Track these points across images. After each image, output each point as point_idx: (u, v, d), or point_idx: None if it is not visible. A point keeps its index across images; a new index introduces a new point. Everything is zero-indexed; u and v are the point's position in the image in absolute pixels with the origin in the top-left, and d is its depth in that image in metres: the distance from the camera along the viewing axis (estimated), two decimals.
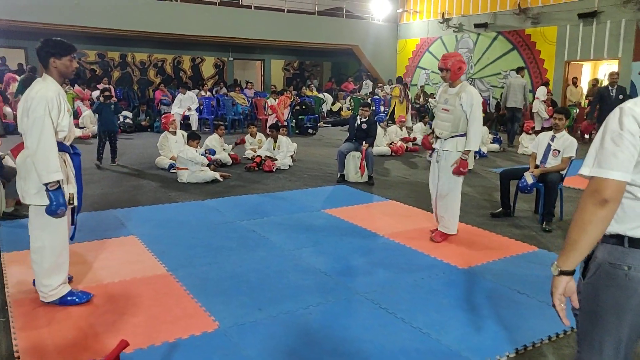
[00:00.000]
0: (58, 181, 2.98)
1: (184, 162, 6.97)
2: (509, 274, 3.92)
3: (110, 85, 14.62)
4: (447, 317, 3.16)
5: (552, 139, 5.34)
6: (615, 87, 9.04)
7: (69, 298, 3.25)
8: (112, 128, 8.25)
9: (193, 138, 7.23)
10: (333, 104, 16.68)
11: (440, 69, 4.51)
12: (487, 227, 5.20)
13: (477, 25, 15.31)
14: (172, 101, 13.87)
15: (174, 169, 7.49)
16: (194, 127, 12.36)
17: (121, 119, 13.06)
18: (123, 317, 3.10)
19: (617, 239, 1.59)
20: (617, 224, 1.58)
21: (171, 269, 3.86)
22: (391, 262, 4.13)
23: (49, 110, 2.96)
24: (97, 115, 8.24)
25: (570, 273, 1.59)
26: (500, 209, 5.63)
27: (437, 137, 4.66)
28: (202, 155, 7.09)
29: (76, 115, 11.59)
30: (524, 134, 10.53)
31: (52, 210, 2.95)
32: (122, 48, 16.88)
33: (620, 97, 8.85)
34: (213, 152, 7.70)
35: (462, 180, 4.63)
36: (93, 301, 3.30)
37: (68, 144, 3.22)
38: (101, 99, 8.28)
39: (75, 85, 12.96)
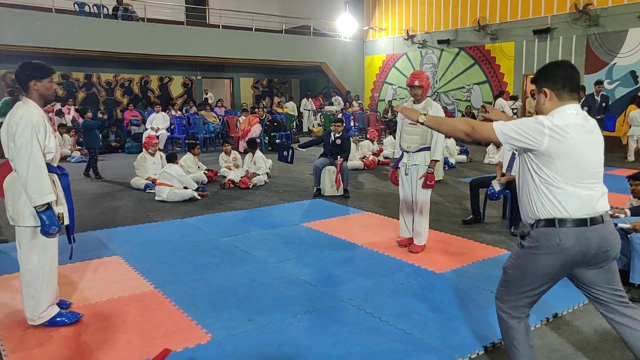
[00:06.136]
0: (48, 202, 3.04)
1: (169, 179, 7.02)
2: (482, 276, 4.16)
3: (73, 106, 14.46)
4: (428, 319, 3.34)
5: None
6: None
7: (58, 319, 3.28)
8: None
9: (174, 159, 7.33)
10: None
11: (412, 86, 4.64)
12: (460, 233, 5.45)
13: (440, 42, 15.90)
14: (142, 121, 13.86)
15: (150, 190, 7.52)
16: (161, 146, 12.33)
17: None
18: (115, 335, 3.16)
19: (550, 222, 2.24)
20: (550, 211, 2.23)
21: (158, 286, 3.93)
22: (372, 270, 4.31)
23: (35, 133, 3.02)
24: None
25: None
26: (471, 216, 5.90)
27: (405, 151, 4.81)
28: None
29: None
30: (491, 146, 10.96)
31: (46, 231, 3.01)
32: (87, 68, 16.69)
33: (604, 104, 9.53)
34: (204, 189, 7.53)
35: (430, 193, 4.83)
36: (82, 321, 3.34)
37: (55, 165, 3.28)
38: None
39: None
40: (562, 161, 2.19)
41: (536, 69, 14.06)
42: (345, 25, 18.63)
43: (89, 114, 8.81)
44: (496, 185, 5.48)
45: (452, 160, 10.10)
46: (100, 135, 10.17)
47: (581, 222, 2.21)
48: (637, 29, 11.34)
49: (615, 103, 11.29)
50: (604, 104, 9.97)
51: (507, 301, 2.42)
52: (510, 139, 2.25)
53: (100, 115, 10.18)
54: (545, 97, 2.32)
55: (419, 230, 4.81)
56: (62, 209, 3.24)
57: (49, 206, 3.05)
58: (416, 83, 4.62)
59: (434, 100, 12.91)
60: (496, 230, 5.58)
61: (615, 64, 11.79)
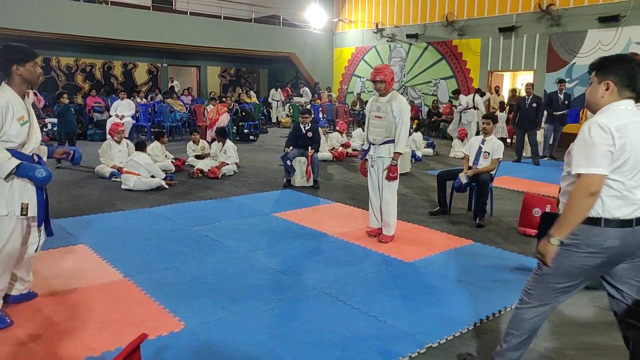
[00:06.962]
0: (16, 166, 2.91)
1: (137, 167, 6.88)
2: (450, 265, 4.29)
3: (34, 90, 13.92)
4: (398, 306, 3.43)
5: (483, 142, 5.84)
6: (531, 97, 9.94)
7: None
8: None
9: (144, 147, 7.21)
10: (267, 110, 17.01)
11: (375, 81, 4.69)
12: (427, 224, 5.58)
13: (408, 36, 16.08)
14: (105, 108, 13.46)
15: (116, 178, 7.35)
16: (126, 134, 12.02)
17: (49, 126, 12.50)
18: (85, 324, 3.10)
19: (595, 221, 2.12)
20: (599, 211, 2.11)
21: (128, 274, 3.87)
22: (342, 259, 4.37)
23: None
24: None
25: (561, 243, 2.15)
26: (438, 207, 6.05)
27: (371, 143, 4.87)
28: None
29: None
30: (456, 140, 11.22)
31: (37, 178, 2.97)
32: (45, 51, 16.07)
33: (534, 105, 9.77)
34: (172, 178, 7.45)
35: (397, 185, 4.92)
36: (52, 309, 3.27)
37: (28, 152, 3.12)
38: None
39: None
40: (624, 161, 2.08)
41: (501, 66, 14.45)
42: (315, 16, 18.59)
43: (64, 99, 8.49)
44: (463, 178, 5.63)
45: (418, 153, 10.28)
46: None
47: (627, 223, 2.12)
48: (596, 30, 11.79)
49: (573, 101, 11.72)
50: (566, 102, 10.36)
51: (534, 297, 2.34)
52: (599, 163, 2.05)
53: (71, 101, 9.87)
54: (607, 90, 2.17)
55: (388, 221, 4.90)
56: (27, 199, 3.11)
57: (17, 167, 2.92)
58: (378, 78, 4.67)
59: (402, 94, 13.12)
60: (462, 221, 5.74)
61: (575, 63, 12.23)
